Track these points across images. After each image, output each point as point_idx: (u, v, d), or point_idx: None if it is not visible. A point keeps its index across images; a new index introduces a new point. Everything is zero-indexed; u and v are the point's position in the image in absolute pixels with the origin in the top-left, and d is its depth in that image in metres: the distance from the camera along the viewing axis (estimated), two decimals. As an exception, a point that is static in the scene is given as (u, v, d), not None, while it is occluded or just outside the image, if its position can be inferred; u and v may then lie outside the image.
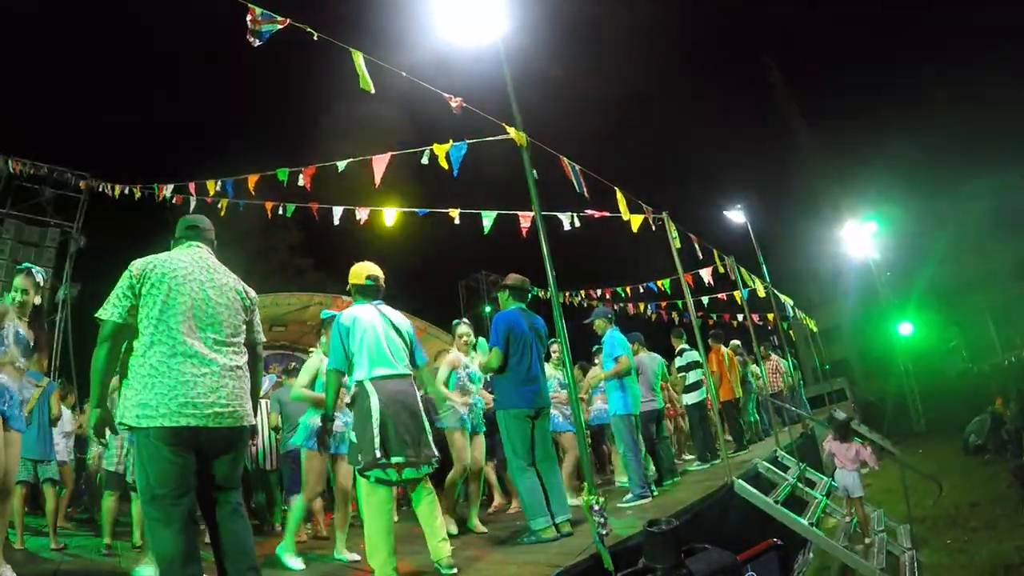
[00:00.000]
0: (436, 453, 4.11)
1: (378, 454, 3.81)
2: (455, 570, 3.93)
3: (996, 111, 28.35)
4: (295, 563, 4.90)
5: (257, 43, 4.31)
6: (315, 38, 4.43)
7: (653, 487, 6.27)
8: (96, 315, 2.96)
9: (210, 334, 3.05)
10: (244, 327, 3.26)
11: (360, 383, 4.05)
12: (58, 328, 15.32)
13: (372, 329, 4.14)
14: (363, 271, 4.40)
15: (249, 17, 4.28)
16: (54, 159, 15.03)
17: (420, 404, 4.17)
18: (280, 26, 4.34)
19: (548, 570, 3.64)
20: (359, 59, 4.58)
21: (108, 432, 3.12)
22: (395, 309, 4.48)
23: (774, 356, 12.98)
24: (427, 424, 4.14)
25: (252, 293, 3.39)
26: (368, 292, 4.37)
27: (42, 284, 4.54)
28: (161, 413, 2.82)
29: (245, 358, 3.22)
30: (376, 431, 3.85)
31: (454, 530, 5.73)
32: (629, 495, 6.12)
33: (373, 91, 4.58)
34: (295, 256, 27.56)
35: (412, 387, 4.19)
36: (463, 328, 6.43)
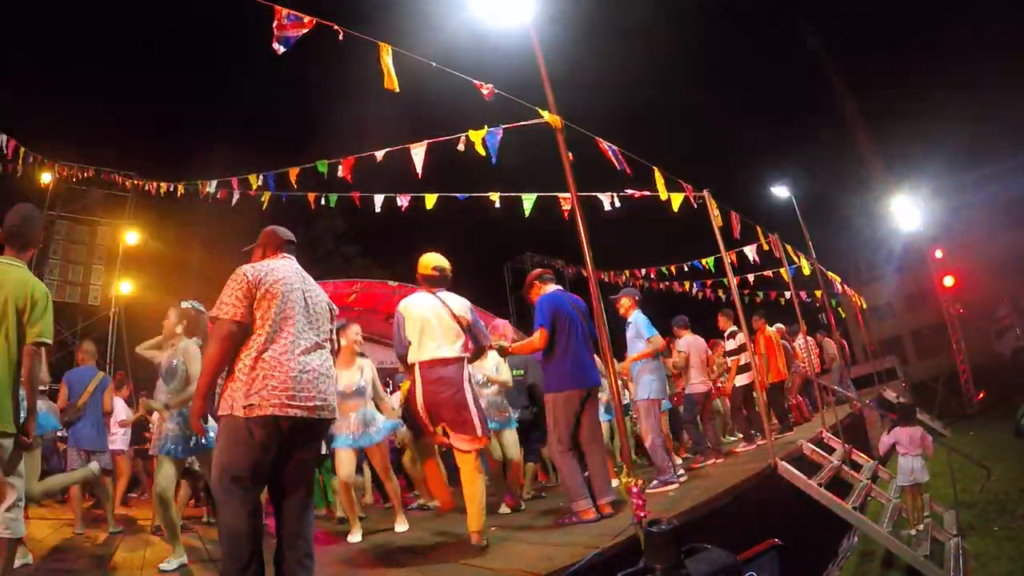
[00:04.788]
0: (481, 431, 4.37)
1: (428, 427, 4.42)
2: (485, 542, 4.26)
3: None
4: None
5: (282, 50, 4.31)
6: (340, 37, 4.41)
7: (680, 471, 6.23)
8: (211, 314, 3.25)
9: (312, 337, 3.37)
10: (329, 333, 3.57)
11: (413, 366, 4.42)
12: (112, 323, 15.90)
13: (424, 317, 4.46)
14: (430, 261, 4.72)
15: (275, 22, 4.27)
16: (100, 160, 15.49)
17: (466, 384, 4.44)
18: (306, 29, 4.33)
19: (586, 551, 3.66)
20: (386, 55, 4.55)
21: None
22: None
23: (811, 337, 12.72)
24: (471, 402, 4.40)
25: (334, 305, 3.69)
26: (434, 281, 4.68)
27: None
28: (272, 404, 3.07)
29: (332, 361, 3.53)
30: (422, 412, 4.37)
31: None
32: (654, 481, 6.07)
33: (398, 90, 4.58)
34: (341, 244, 27.89)
35: (459, 369, 4.45)
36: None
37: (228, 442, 3.10)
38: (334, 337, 3.67)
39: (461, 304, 4.64)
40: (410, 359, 4.44)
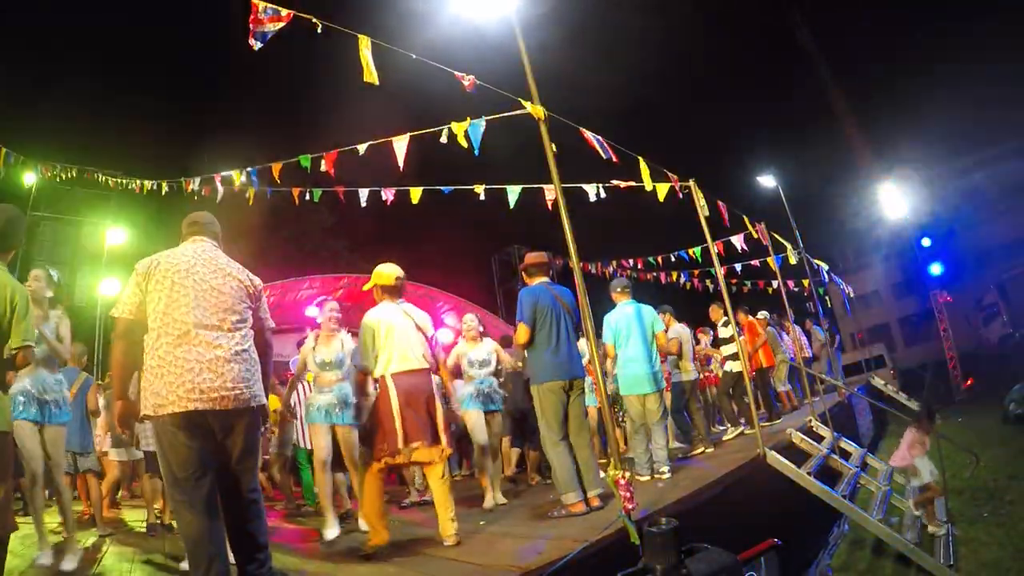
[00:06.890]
0: (445, 441, 4.41)
1: (400, 444, 4.24)
2: (459, 539, 4.26)
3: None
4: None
5: (259, 45, 4.23)
6: (319, 30, 4.33)
7: (663, 467, 6.22)
8: (110, 314, 3.20)
9: (214, 322, 3.22)
10: (249, 313, 3.44)
11: (383, 377, 4.41)
12: (98, 323, 15.77)
13: (392, 327, 4.50)
14: (392, 272, 4.74)
15: (251, 16, 4.19)
16: (83, 159, 15.32)
17: (435, 394, 4.49)
18: (283, 23, 4.25)
19: (575, 544, 3.64)
20: (365, 48, 4.47)
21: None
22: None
23: (798, 326, 12.75)
24: (442, 414, 4.47)
25: (257, 281, 3.56)
26: (395, 291, 4.71)
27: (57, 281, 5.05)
28: (171, 400, 2.99)
29: (251, 343, 3.39)
30: (397, 423, 4.26)
31: (503, 500, 6.14)
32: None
33: (378, 83, 4.52)
34: (328, 239, 27.81)
35: (428, 380, 4.51)
36: (467, 317, 7.07)
37: (160, 445, 3.07)
38: (263, 316, 3.55)
39: (422, 316, 4.73)
40: (379, 372, 4.44)
